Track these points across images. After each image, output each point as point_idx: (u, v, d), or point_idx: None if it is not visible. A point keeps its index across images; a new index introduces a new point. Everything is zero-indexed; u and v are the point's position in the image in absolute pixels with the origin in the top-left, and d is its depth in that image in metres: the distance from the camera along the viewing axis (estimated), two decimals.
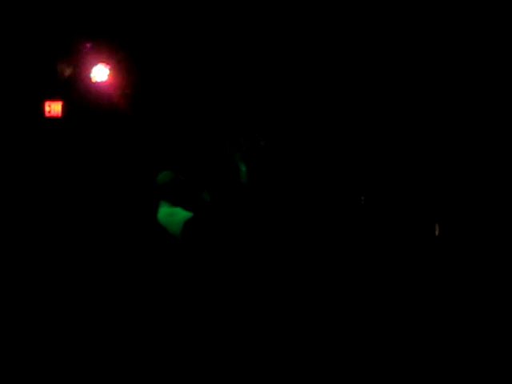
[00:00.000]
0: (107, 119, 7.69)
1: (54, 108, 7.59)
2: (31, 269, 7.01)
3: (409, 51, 7.47)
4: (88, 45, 7.51)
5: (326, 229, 7.39)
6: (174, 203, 5.42)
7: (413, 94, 7.52)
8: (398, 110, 7.57)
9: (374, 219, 7.48)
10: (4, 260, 7.01)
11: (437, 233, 7.18)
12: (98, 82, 7.62)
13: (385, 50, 7.51)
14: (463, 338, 5.82)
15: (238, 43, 7.56)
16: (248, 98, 7.64)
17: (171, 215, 5.37)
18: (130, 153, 7.64)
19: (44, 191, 7.53)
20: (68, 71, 7.58)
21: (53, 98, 7.61)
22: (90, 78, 7.62)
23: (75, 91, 7.64)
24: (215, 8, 7.55)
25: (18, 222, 7.34)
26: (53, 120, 7.61)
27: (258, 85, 7.66)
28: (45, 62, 7.55)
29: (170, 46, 7.66)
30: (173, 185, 5.45)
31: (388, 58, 7.52)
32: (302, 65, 7.60)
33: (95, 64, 7.59)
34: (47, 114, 7.60)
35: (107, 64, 7.60)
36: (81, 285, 6.83)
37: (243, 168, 5.63)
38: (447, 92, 7.45)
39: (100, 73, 7.61)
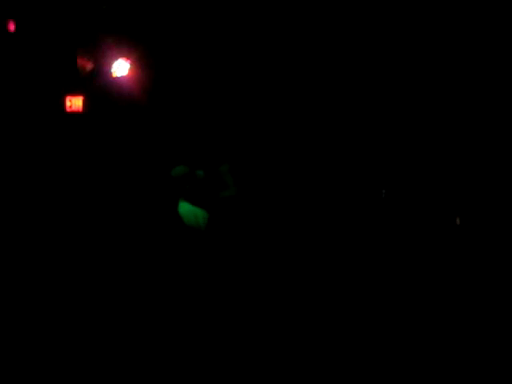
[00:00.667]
0: (128, 114, 7.70)
1: (74, 103, 7.60)
2: (44, 264, 7.00)
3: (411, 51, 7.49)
4: (109, 39, 7.52)
5: (344, 223, 7.39)
6: (192, 200, 5.44)
7: (432, 86, 7.53)
8: (418, 101, 7.57)
9: (394, 212, 7.47)
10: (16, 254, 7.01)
11: (458, 223, 7.18)
12: (119, 77, 7.63)
13: (386, 50, 7.53)
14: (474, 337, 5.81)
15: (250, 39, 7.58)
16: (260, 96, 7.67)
17: (193, 210, 5.39)
18: (150, 147, 7.64)
19: (65, 185, 7.53)
20: (89, 66, 7.59)
21: (73, 92, 7.62)
22: (110, 73, 7.63)
23: (96, 86, 7.65)
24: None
25: (39, 216, 7.34)
26: (74, 115, 7.62)
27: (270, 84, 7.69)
28: (65, 57, 7.56)
29: (190, 40, 7.67)
30: (186, 179, 5.47)
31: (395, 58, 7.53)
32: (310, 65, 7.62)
33: (116, 59, 7.60)
34: (68, 109, 7.62)
35: (128, 58, 7.61)
36: (95, 280, 6.82)
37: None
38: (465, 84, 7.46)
39: (121, 67, 7.62)
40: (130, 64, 7.63)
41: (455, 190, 7.39)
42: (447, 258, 6.97)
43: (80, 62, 7.58)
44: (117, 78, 7.65)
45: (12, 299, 6.35)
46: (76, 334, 5.87)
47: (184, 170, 5.54)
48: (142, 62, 7.69)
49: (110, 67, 7.62)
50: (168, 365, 5.31)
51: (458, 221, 7.17)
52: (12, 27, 7.37)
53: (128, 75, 7.65)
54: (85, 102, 7.64)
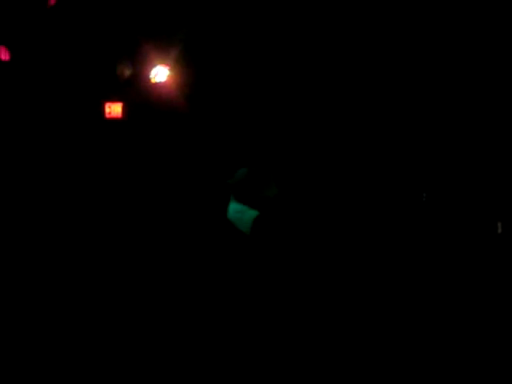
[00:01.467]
0: (167, 120, 7.72)
1: (114, 109, 7.65)
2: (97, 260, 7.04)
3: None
4: (147, 46, 7.56)
5: (385, 227, 7.33)
6: (244, 201, 5.43)
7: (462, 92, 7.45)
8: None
9: (436, 217, 7.38)
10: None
11: (500, 231, 7.06)
12: (158, 83, 7.66)
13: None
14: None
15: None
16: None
17: (241, 212, 5.39)
18: (190, 153, 7.66)
19: (107, 191, 7.59)
20: (128, 72, 7.62)
21: (113, 99, 7.67)
22: (149, 79, 7.66)
23: (135, 92, 7.69)
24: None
25: (84, 221, 7.40)
26: (113, 121, 7.67)
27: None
28: (105, 64, 7.61)
29: (228, 46, 7.66)
30: (246, 182, 5.45)
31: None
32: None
33: (154, 65, 7.63)
34: (107, 116, 7.67)
35: (166, 65, 7.63)
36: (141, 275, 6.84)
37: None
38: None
39: (159, 74, 7.65)
40: (169, 70, 7.65)
41: (497, 197, 7.28)
42: (489, 261, 6.86)
43: (119, 68, 7.63)
44: (156, 84, 7.67)
45: (14, 299, 6.39)
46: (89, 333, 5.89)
47: (245, 173, 5.51)
48: (181, 68, 7.70)
49: (148, 73, 7.65)
50: (173, 364, 5.31)
51: (499, 228, 7.06)
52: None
53: (167, 81, 7.67)
54: (124, 109, 7.68)
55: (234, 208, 5.47)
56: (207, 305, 5.80)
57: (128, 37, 7.61)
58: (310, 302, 5.78)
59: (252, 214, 5.42)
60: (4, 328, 5.85)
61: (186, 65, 7.72)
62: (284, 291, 5.51)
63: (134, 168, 7.68)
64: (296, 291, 5.65)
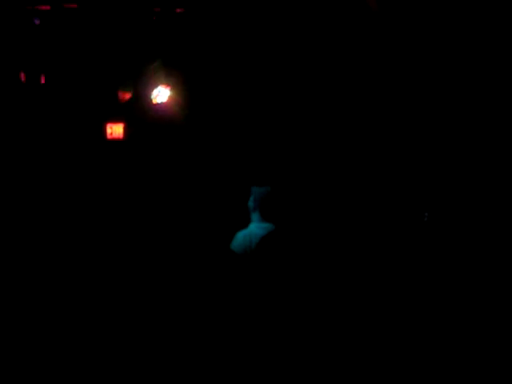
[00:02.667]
0: (169, 140, 7.73)
1: (115, 130, 7.70)
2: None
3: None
4: (148, 67, 7.63)
5: (385, 246, 7.14)
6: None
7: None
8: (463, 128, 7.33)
9: (438, 237, 7.17)
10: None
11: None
12: (159, 104, 7.70)
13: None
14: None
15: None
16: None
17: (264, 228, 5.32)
18: (191, 173, 7.63)
19: (108, 211, 7.59)
20: (129, 93, 7.69)
21: (114, 120, 7.72)
22: (150, 100, 7.71)
23: (136, 113, 7.73)
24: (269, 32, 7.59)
25: (83, 242, 7.40)
26: (114, 142, 7.71)
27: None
28: (106, 85, 7.69)
29: (228, 66, 7.69)
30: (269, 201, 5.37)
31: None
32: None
33: (155, 86, 7.68)
34: (109, 136, 7.72)
35: (167, 85, 7.68)
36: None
37: None
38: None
39: (160, 94, 7.69)
40: (170, 90, 7.69)
41: (499, 213, 7.03)
42: (492, 281, 6.62)
43: (121, 89, 7.70)
44: (157, 104, 7.72)
45: (14, 299, 6.37)
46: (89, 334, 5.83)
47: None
48: (182, 89, 7.74)
49: (150, 94, 7.70)
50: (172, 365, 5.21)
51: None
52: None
53: (168, 102, 7.71)
54: (125, 129, 7.72)
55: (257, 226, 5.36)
56: (206, 309, 5.72)
57: (129, 58, 7.69)
58: (310, 308, 5.68)
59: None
60: (4, 328, 5.86)
61: (187, 85, 7.75)
62: (285, 297, 5.41)
63: (135, 188, 7.68)
64: (297, 297, 5.56)
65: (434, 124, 7.41)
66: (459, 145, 7.33)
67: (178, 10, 7.67)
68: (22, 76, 7.53)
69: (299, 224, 6.89)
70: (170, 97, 7.70)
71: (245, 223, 5.90)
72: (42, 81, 7.61)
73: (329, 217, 7.33)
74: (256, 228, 5.35)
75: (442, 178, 7.37)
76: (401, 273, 6.84)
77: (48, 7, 7.58)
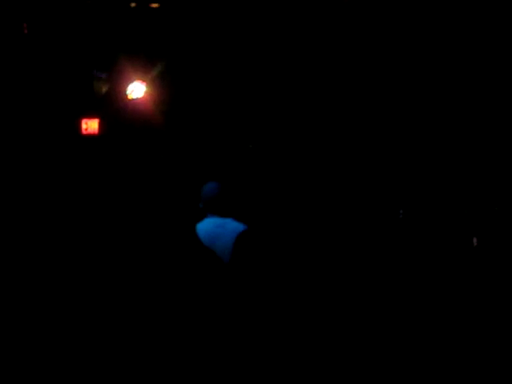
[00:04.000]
0: (143, 136, 7.72)
1: (90, 125, 7.66)
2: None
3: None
4: (124, 62, 7.59)
5: (362, 242, 7.28)
6: (222, 215, 5.36)
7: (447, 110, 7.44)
8: (435, 126, 7.48)
9: (412, 233, 7.33)
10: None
11: (475, 244, 7.00)
12: (134, 99, 7.67)
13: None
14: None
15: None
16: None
17: (222, 226, 5.33)
18: (165, 168, 7.65)
19: (82, 207, 7.56)
20: (104, 88, 7.64)
21: (89, 115, 7.67)
22: (126, 95, 7.67)
23: (112, 108, 7.69)
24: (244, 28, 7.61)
25: (55, 236, 7.36)
26: (90, 137, 7.67)
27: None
28: (81, 80, 7.63)
29: (204, 62, 7.69)
30: (220, 197, 5.40)
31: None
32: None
33: (131, 81, 7.64)
34: (84, 132, 7.67)
35: (143, 81, 7.65)
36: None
37: None
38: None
39: (136, 90, 7.66)
40: (146, 86, 7.66)
41: (473, 212, 7.23)
42: (465, 275, 6.81)
43: (96, 84, 7.65)
44: (132, 100, 7.68)
45: (14, 299, 6.34)
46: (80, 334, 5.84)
47: (216, 187, 5.46)
48: (158, 84, 7.72)
49: (125, 89, 7.66)
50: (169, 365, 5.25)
51: (475, 242, 7.00)
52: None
53: (143, 97, 7.68)
54: (101, 125, 7.68)
55: (213, 222, 5.40)
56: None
57: (105, 53, 7.63)
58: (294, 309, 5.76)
59: (233, 227, 5.37)
60: (4, 328, 5.83)
61: (163, 81, 7.73)
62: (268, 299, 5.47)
63: (109, 183, 7.66)
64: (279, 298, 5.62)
65: (411, 125, 7.55)
66: (434, 146, 7.50)
67: (154, 5, 7.62)
68: None
69: (271, 220, 6.99)
70: (145, 92, 7.66)
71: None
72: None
73: (306, 212, 7.45)
74: (208, 223, 5.38)
75: (417, 177, 7.54)
76: (377, 266, 7.01)
77: None
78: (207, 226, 5.23)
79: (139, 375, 5.18)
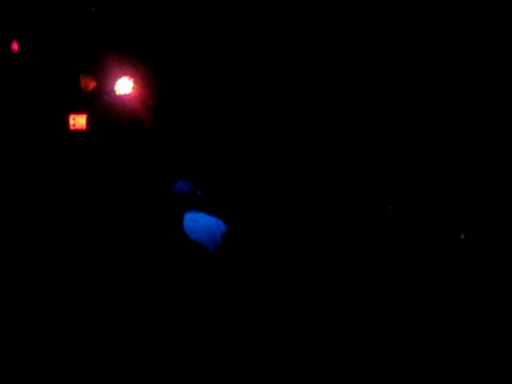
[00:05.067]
0: (131, 131, 7.71)
1: (78, 121, 7.64)
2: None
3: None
4: (112, 58, 7.57)
5: (349, 238, 7.24)
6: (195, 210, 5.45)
7: (432, 105, 7.40)
8: (426, 119, 7.44)
9: (401, 228, 7.30)
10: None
11: (462, 239, 6.97)
12: (122, 95, 7.66)
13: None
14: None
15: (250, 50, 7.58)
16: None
17: (195, 220, 5.41)
18: (153, 164, 7.63)
19: (68, 203, 7.55)
20: (92, 84, 7.63)
21: (77, 111, 7.66)
22: (114, 91, 7.66)
23: (99, 104, 7.69)
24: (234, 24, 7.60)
25: (39, 234, 7.35)
26: (77, 133, 7.66)
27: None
28: (69, 76, 7.62)
29: (193, 58, 7.68)
30: (191, 196, 5.48)
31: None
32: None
33: (119, 77, 7.63)
34: (72, 127, 7.66)
35: (131, 77, 7.64)
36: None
37: None
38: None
39: (124, 85, 7.65)
40: (134, 82, 7.65)
41: (460, 206, 7.19)
42: (452, 271, 6.77)
43: (83, 80, 7.64)
44: (120, 96, 7.67)
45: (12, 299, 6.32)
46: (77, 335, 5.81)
47: (187, 186, 5.54)
48: (146, 80, 7.71)
49: (113, 85, 7.65)
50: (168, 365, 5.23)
51: (462, 236, 6.97)
52: (16, 47, 7.47)
53: (131, 93, 7.67)
54: (88, 120, 7.67)
55: (190, 217, 5.48)
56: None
57: (93, 49, 7.63)
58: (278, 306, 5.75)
59: (206, 221, 5.43)
60: (4, 328, 5.82)
61: (151, 77, 7.72)
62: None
63: (97, 178, 7.65)
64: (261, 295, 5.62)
65: (398, 120, 7.52)
66: (422, 142, 7.47)
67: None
68: None
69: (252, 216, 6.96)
70: (133, 88, 7.65)
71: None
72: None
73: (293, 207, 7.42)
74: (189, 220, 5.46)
75: (405, 173, 7.50)
76: (366, 261, 6.97)
77: None
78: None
79: (126, 364, 5.17)
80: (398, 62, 7.49)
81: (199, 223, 5.49)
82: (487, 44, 7.19)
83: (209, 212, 5.57)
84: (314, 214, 7.36)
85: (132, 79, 7.67)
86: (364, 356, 5.46)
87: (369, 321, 5.96)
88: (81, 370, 5.33)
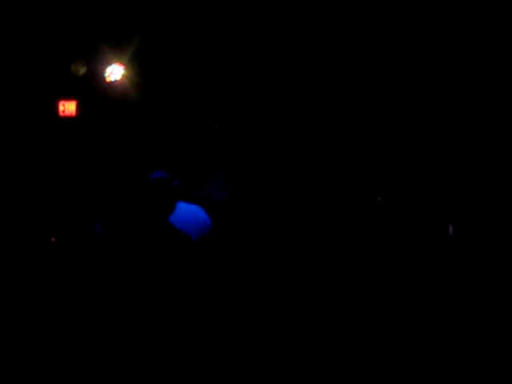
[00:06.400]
0: (121, 118, 7.68)
1: (68, 107, 7.63)
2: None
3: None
4: (102, 45, 7.54)
5: (340, 229, 7.22)
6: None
7: (423, 96, 7.36)
8: (413, 111, 7.40)
9: (389, 220, 7.27)
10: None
11: (451, 232, 6.94)
12: (112, 82, 7.63)
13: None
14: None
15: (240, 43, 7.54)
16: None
17: (180, 210, 5.40)
18: (142, 151, 7.60)
19: (57, 189, 7.53)
20: (82, 71, 7.61)
21: (67, 97, 7.64)
22: (104, 78, 7.63)
23: (89, 91, 7.66)
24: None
25: (28, 220, 7.33)
26: (67, 119, 7.64)
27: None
28: (59, 62, 7.60)
29: (184, 45, 7.64)
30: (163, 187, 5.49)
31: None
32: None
33: (109, 63, 7.60)
34: (61, 114, 7.65)
35: (121, 64, 7.60)
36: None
37: None
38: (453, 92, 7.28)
39: (114, 72, 7.62)
40: (124, 69, 7.62)
41: (450, 198, 7.16)
42: (440, 263, 6.74)
43: (73, 67, 7.61)
44: (110, 82, 7.64)
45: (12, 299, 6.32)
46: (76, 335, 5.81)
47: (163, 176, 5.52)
48: (135, 67, 7.68)
49: (103, 72, 7.63)
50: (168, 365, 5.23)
51: (451, 229, 6.94)
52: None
53: (121, 80, 7.64)
54: (78, 107, 7.65)
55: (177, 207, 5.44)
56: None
57: (82, 35, 7.59)
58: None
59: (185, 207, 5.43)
60: (4, 328, 5.81)
61: (141, 64, 7.68)
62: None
63: (86, 165, 7.63)
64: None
65: (388, 114, 7.49)
66: (411, 135, 7.43)
67: None
68: None
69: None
70: (123, 75, 7.62)
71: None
72: None
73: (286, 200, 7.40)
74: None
75: (394, 165, 7.47)
76: (355, 253, 6.96)
77: None
78: None
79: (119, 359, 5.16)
80: (395, 59, 7.44)
81: (182, 212, 5.47)
82: (487, 44, 7.15)
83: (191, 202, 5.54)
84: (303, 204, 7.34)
85: (122, 66, 7.64)
86: (361, 353, 5.44)
87: (363, 317, 5.94)
88: (69, 363, 5.33)
